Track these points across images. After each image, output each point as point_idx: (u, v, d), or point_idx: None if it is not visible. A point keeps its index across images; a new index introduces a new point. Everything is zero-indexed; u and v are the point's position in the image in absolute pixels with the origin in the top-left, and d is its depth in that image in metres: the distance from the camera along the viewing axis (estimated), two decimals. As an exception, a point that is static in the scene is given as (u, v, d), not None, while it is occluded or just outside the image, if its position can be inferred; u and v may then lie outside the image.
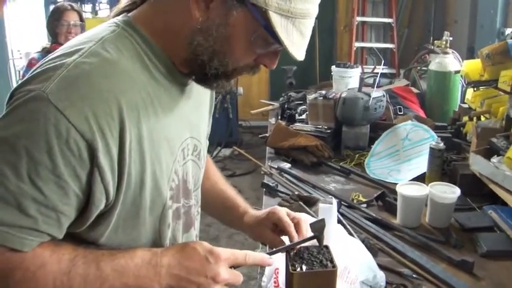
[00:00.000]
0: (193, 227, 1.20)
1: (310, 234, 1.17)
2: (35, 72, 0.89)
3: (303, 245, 1.17)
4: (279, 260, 1.25)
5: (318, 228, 1.14)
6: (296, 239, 1.19)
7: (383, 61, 4.45)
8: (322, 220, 1.16)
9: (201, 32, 0.93)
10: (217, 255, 0.97)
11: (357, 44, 5.86)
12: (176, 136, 1.05)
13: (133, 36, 0.96)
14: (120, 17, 1.00)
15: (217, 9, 0.91)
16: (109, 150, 0.87)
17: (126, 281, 0.91)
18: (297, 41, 0.93)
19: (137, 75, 0.94)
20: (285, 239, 1.23)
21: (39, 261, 0.86)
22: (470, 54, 3.94)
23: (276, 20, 0.89)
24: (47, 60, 0.92)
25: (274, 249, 1.15)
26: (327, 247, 1.17)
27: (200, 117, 1.19)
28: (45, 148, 0.82)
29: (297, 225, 1.22)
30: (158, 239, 1.05)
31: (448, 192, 1.82)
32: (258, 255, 1.07)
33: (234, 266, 1.01)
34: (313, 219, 1.26)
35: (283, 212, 1.25)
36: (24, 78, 0.89)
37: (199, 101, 1.18)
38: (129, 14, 1.00)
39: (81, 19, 3.43)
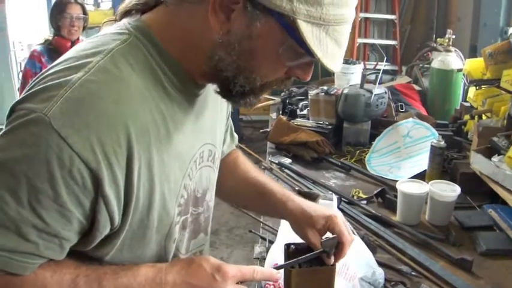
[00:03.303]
0: (202, 233, 1.15)
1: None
2: (38, 87, 0.81)
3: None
4: (278, 257, 1.25)
5: (330, 245, 1.11)
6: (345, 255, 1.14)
7: (385, 58, 4.44)
8: (335, 238, 1.12)
9: (223, 46, 0.85)
10: (224, 272, 0.92)
11: (359, 40, 5.84)
12: (188, 150, 1.00)
13: (146, 47, 0.88)
14: (132, 21, 0.91)
15: (239, 21, 0.82)
16: (115, 180, 0.82)
17: None
18: (331, 51, 0.84)
19: (149, 92, 0.87)
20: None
21: (40, 283, 0.83)
22: (472, 52, 3.92)
23: (306, 30, 0.80)
24: (50, 72, 0.84)
25: (283, 263, 1.11)
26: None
27: (216, 121, 1.13)
28: (46, 177, 0.76)
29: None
30: (163, 254, 1.01)
31: (448, 191, 1.82)
32: (266, 271, 1.02)
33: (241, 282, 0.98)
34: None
35: (343, 225, 1.16)
36: (26, 93, 0.83)
37: (217, 104, 1.12)
38: (143, 18, 0.92)
39: (85, 12, 3.40)
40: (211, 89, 1.00)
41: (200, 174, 1.06)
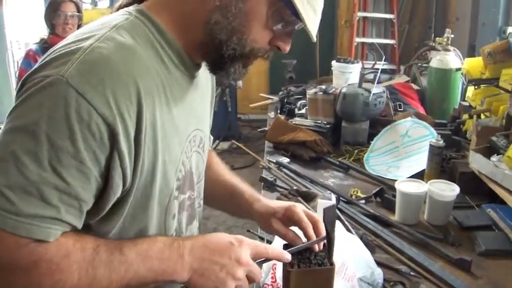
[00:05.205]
0: (195, 219, 1.20)
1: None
2: (49, 58, 0.87)
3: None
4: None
5: (331, 216, 1.11)
6: (313, 239, 1.16)
7: (383, 57, 4.43)
8: (333, 206, 1.15)
9: (220, 9, 0.93)
10: (241, 239, 1.00)
11: (357, 39, 5.84)
12: (184, 128, 1.04)
13: (146, 25, 0.95)
14: (131, 7, 0.99)
15: None
16: (128, 134, 0.86)
17: (150, 265, 0.91)
18: (312, 17, 0.95)
19: (151, 63, 0.93)
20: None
21: (63, 250, 0.84)
22: (471, 52, 3.92)
23: None
24: (59, 46, 0.89)
25: (290, 248, 1.12)
26: (324, 245, 1.16)
27: (205, 109, 1.19)
28: (67, 133, 0.80)
29: (315, 227, 1.18)
30: (163, 231, 1.04)
31: (447, 190, 1.82)
32: (277, 250, 1.08)
33: (255, 260, 1.02)
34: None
35: (302, 212, 1.21)
36: (37, 65, 0.87)
37: (204, 92, 1.17)
38: (141, 4, 0.99)
39: (79, 10, 3.42)
40: (202, 82, 1.09)
41: (194, 158, 1.11)
